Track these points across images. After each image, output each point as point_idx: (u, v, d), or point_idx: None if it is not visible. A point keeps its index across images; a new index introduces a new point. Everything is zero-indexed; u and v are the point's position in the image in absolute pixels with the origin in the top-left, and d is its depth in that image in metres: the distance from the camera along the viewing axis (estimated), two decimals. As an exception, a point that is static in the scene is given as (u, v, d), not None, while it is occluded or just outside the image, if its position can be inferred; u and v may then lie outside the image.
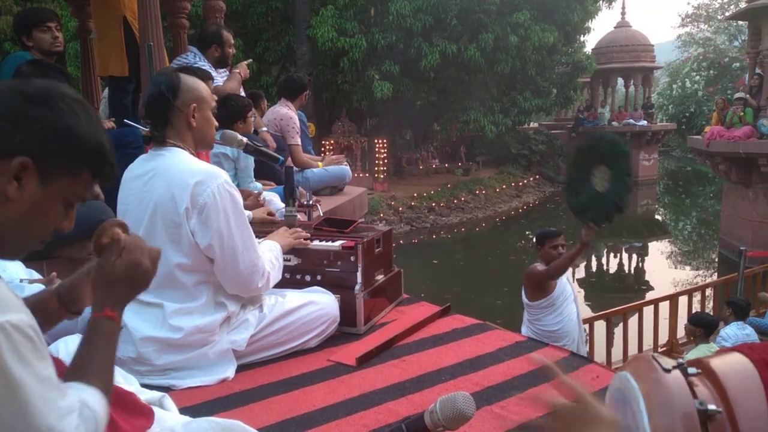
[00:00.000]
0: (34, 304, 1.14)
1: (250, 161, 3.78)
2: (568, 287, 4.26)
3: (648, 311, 6.13)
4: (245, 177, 3.77)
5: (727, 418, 0.80)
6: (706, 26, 33.47)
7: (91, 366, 1.03)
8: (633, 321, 5.99)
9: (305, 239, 2.50)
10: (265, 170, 4.21)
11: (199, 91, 2.08)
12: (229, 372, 2.04)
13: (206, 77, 3.12)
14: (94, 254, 1.16)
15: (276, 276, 2.22)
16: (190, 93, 2.04)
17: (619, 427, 0.86)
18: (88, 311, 1.12)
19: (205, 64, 4.08)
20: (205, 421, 1.25)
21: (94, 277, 1.12)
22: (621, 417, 0.88)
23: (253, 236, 2.09)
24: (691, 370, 0.85)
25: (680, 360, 0.88)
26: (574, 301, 4.25)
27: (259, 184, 3.94)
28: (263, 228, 2.67)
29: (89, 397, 0.97)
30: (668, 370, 0.85)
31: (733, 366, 0.85)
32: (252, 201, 3.14)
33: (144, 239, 1.93)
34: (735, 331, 5.20)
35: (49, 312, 1.19)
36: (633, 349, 5.92)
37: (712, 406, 0.80)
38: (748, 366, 0.84)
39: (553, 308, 4.11)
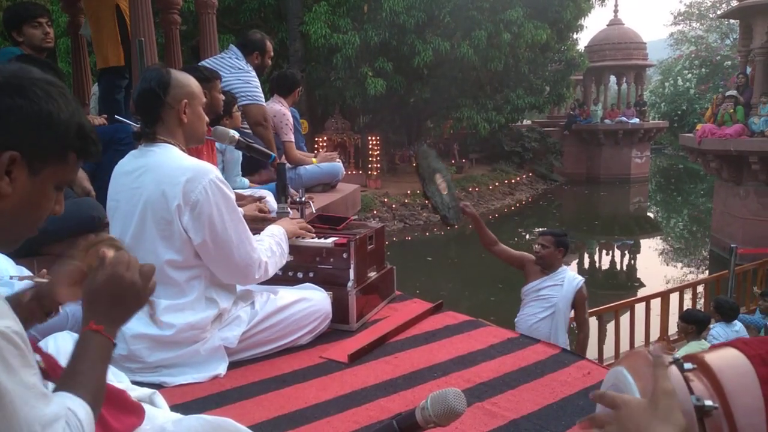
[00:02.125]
0: (12, 303, 1.13)
1: (237, 155, 3.76)
2: (550, 292, 3.95)
3: (640, 308, 6.16)
4: (231, 170, 3.75)
5: (724, 414, 0.80)
6: (698, 24, 33.64)
7: (78, 379, 1.02)
8: (625, 318, 6.03)
9: (308, 232, 2.50)
10: (257, 165, 4.21)
11: (190, 87, 2.07)
12: (221, 369, 2.03)
13: (214, 77, 3.13)
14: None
15: (278, 262, 2.21)
16: (180, 89, 2.03)
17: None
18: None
19: (241, 62, 4.21)
20: (195, 419, 1.24)
21: (83, 294, 1.11)
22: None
23: (248, 229, 2.08)
24: (687, 365, 0.85)
25: (676, 355, 0.88)
26: (550, 308, 3.93)
27: (246, 180, 3.93)
28: (255, 225, 2.67)
29: (77, 408, 0.96)
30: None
31: (728, 361, 0.85)
32: (248, 202, 3.12)
33: (134, 237, 1.93)
34: (725, 329, 5.23)
35: (27, 311, 1.18)
36: (625, 346, 5.95)
37: (708, 402, 0.80)
38: (743, 361, 0.84)
39: (522, 301, 4.10)
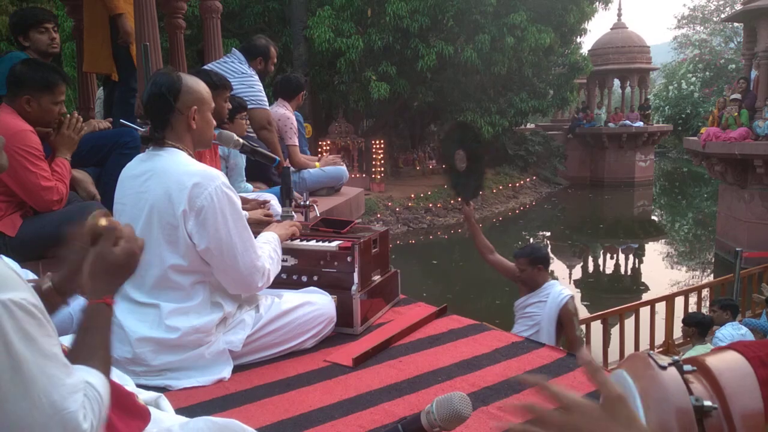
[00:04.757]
0: None
1: (240, 160, 3.76)
2: (534, 309, 3.79)
3: (644, 312, 6.14)
4: (236, 176, 3.75)
5: (723, 415, 0.81)
6: (702, 28, 33.60)
7: (92, 350, 1.05)
8: (629, 322, 6.01)
9: (298, 233, 2.53)
10: (256, 172, 4.21)
11: (200, 92, 2.07)
12: (226, 372, 2.03)
13: (223, 85, 3.15)
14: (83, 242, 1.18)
15: (276, 269, 2.21)
16: (191, 95, 2.03)
17: None
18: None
19: (244, 67, 4.23)
20: (203, 421, 1.24)
21: (92, 266, 1.14)
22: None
23: (252, 237, 2.08)
24: (687, 367, 0.86)
25: (676, 357, 0.88)
26: (534, 327, 3.73)
27: (249, 185, 3.93)
28: (259, 228, 2.67)
29: (94, 379, 0.99)
30: (664, 368, 0.85)
31: (728, 363, 0.86)
32: (252, 206, 3.13)
33: None
34: (731, 332, 5.21)
35: (48, 305, 1.20)
36: (629, 350, 5.93)
37: (707, 403, 0.81)
38: (743, 363, 0.85)
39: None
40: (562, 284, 3.94)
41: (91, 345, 1.06)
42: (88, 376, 0.98)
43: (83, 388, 0.94)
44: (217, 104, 3.02)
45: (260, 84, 4.30)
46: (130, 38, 4.09)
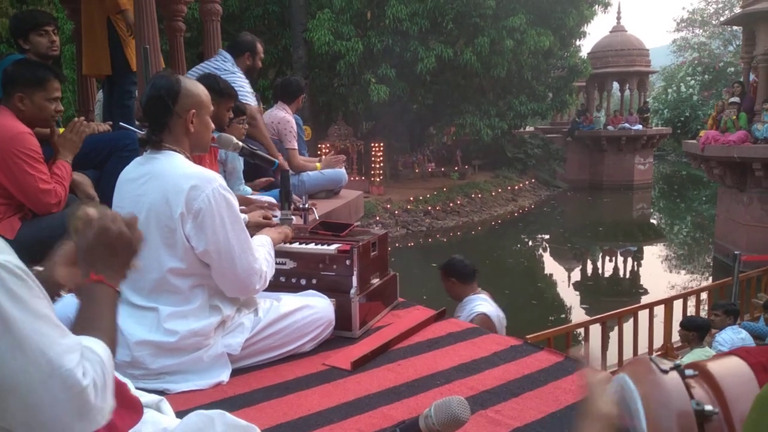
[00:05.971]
0: None
1: (238, 163, 3.75)
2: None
3: (643, 315, 6.14)
4: (234, 180, 3.75)
5: (724, 420, 0.81)
6: (701, 31, 33.64)
7: (90, 323, 1.04)
8: (628, 325, 6.01)
9: (291, 236, 2.53)
10: (254, 177, 4.21)
11: (199, 96, 2.07)
12: (224, 376, 2.03)
13: (229, 94, 3.17)
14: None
15: (270, 272, 2.21)
16: (189, 98, 2.03)
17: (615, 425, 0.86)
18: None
19: (227, 64, 4.23)
20: (195, 415, 1.25)
21: (77, 252, 1.16)
22: (619, 418, 0.89)
23: (250, 239, 2.08)
24: (688, 372, 0.86)
25: (678, 362, 0.89)
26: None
27: (248, 188, 3.93)
28: (258, 231, 2.67)
29: (91, 344, 0.97)
30: (666, 372, 0.85)
31: (729, 369, 0.86)
32: (251, 208, 3.13)
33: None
34: (731, 336, 5.21)
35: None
36: (628, 353, 5.93)
37: (708, 407, 0.81)
38: (744, 369, 0.85)
39: None
40: (485, 301, 3.91)
41: (86, 318, 1.05)
42: (84, 341, 0.97)
43: (79, 349, 0.93)
44: (220, 112, 3.02)
45: (245, 81, 4.27)
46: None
